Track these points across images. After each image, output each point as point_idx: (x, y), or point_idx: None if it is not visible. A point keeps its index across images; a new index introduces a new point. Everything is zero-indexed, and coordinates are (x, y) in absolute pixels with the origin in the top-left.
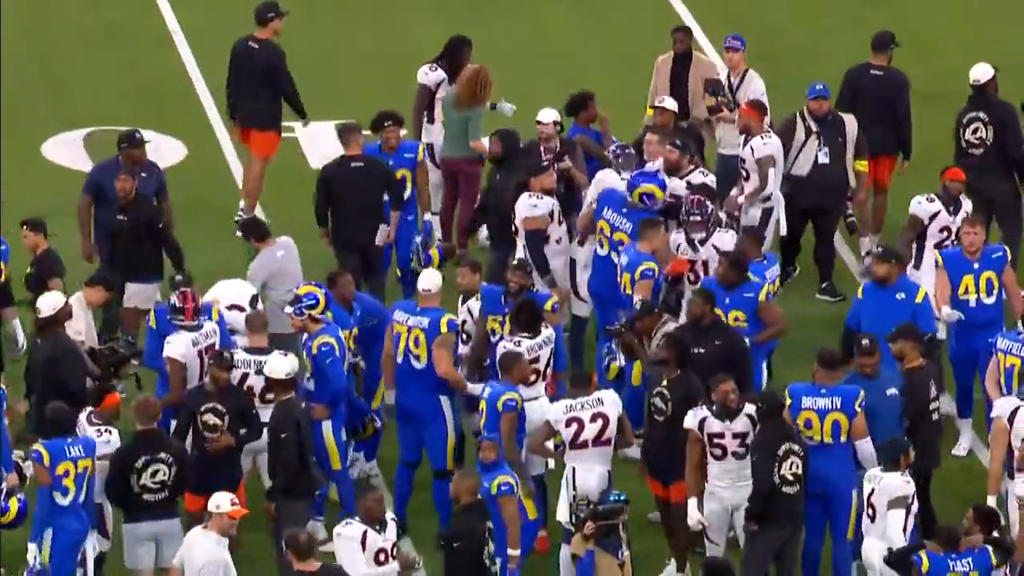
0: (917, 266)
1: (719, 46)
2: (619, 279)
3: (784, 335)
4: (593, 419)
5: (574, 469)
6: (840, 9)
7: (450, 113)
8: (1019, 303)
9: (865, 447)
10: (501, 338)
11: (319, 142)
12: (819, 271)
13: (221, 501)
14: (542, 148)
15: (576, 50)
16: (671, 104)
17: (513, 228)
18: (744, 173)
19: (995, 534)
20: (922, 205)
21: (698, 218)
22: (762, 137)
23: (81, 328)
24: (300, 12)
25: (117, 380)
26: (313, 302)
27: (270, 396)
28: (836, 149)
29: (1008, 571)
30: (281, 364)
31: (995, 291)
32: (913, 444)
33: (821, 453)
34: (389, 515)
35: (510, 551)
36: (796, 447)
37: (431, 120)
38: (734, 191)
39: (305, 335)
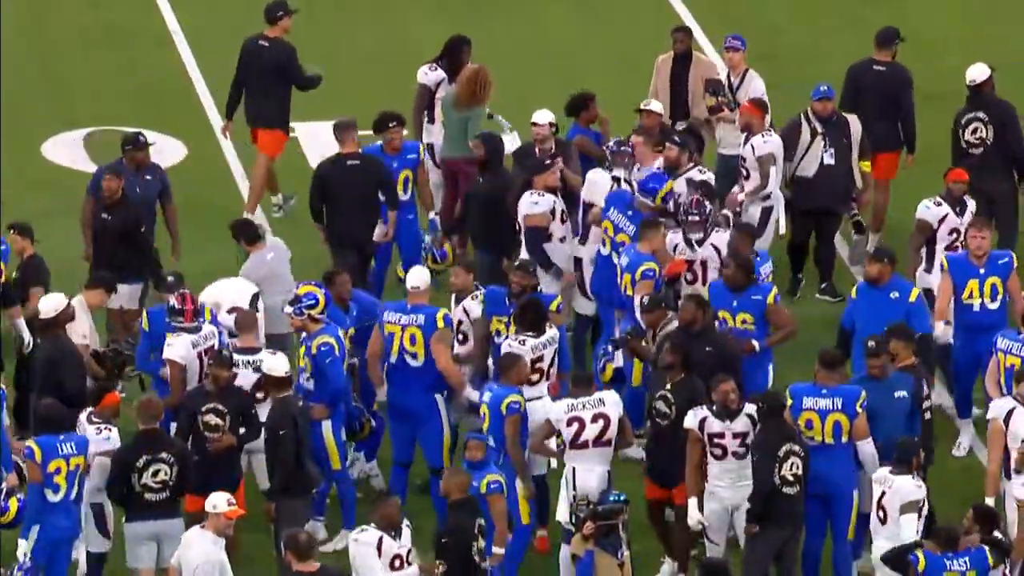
0: (928, 269)
1: (719, 46)
2: (619, 280)
3: (794, 337)
4: (594, 419)
5: (574, 469)
6: (840, 9)
7: (450, 113)
8: (1023, 309)
9: (866, 448)
10: (506, 338)
11: (319, 142)
12: (819, 272)
13: (218, 501)
14: (537, 149)
15: (576, 50)
16: (656, 106)
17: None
18: (744, 172)
19: (996, 534)
20: (930, 210)
21: (696, 218)
22: (763, 135)
23: (85, 330)
24: (301, 12)
25: (121, 381)
26: (313, 302)
27: (259, 395)
28: (841, 150)
29: (1008, 571)
30: (280, 362)
31: (999, 297)
32: None
33: (822, 453)
34: (405, 522)
35: (495, 549)
36: (797, 447)
37: (431, 120)
38: (735, 189)
39: (304, 334)
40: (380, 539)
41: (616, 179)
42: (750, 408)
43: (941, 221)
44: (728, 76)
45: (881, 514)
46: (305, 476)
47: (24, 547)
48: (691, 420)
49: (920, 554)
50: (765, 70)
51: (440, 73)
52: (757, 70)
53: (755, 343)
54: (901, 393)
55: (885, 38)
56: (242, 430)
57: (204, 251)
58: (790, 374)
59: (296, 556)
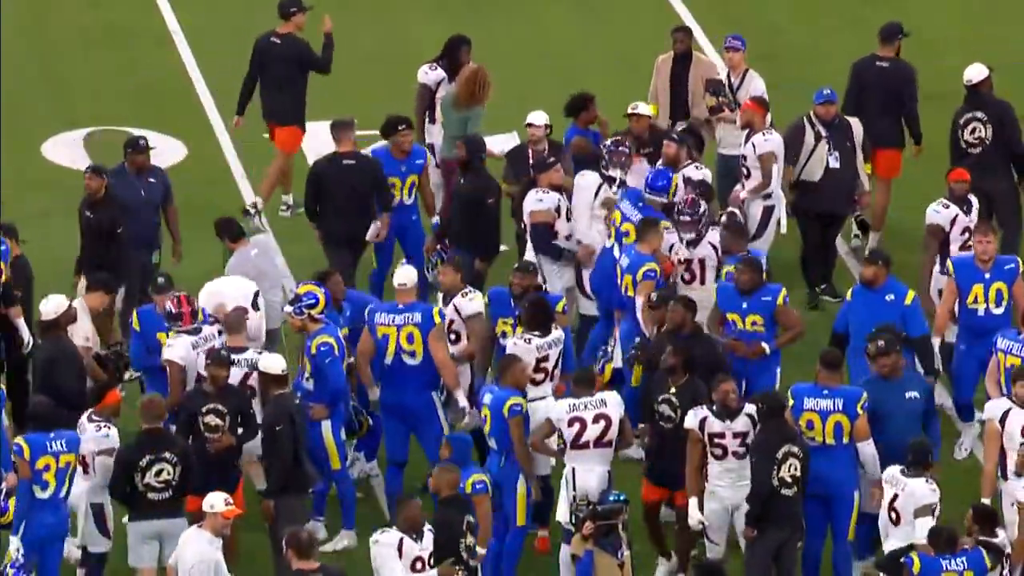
0: (944, 271)
1: (719, 46)
2: (619, 281)
3: (802, 338)
4: (596, 420)
5: (574, 469)
6: (840, 9)
7: (449, 113)
8: None
9: (867, 449)
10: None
11: (319, 141)
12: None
13: (215, 501)
14: (530, 151)
15: (576, 50)
16: (644, 109)
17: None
18: (745, 171)
19: (998, 531)
20: (940, 213)
21: (688, 218)
22: (763, 134)
23: (88, 333)
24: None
25: (123, 383)
26: (313, 301)
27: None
28: (846, 154)
29: (1008, 573)
30: (276, 360)
31: (1004, 302)
32: None
33: (823, 454)
34: (427, 526)
35: (478, 549)
36: (796, 449)
37: (432, 120)
38: (737, 187)
39: (304, 334)
40: (401, 540)
41: (611, 179)
42: (750, 408)
43: (952, 223)
44: (728, 76)
45: (893, 516)
46: (303, 474)
47: (16, 543)
48: (691, 420)
49: (915, 556)
50: (765, 70)
51: (440, 73)
52: (757, 70)
53: (765, 345)
54: (912, 394)
55: (888, 33)
56: (240, 430)
57: (204, 251)
58: (791, 375)
59: (297, 554)
